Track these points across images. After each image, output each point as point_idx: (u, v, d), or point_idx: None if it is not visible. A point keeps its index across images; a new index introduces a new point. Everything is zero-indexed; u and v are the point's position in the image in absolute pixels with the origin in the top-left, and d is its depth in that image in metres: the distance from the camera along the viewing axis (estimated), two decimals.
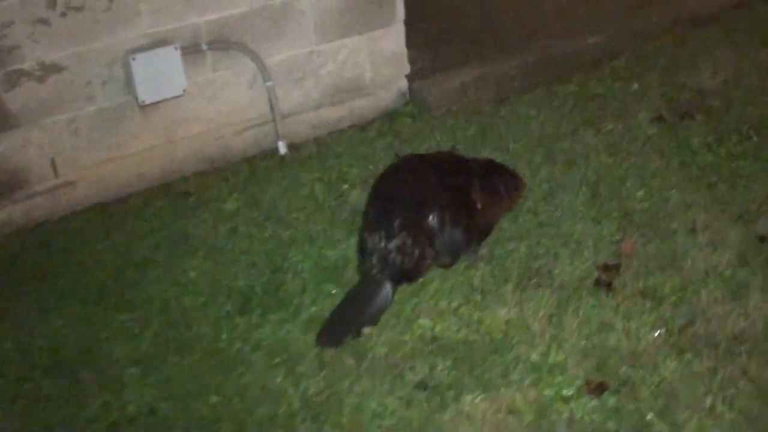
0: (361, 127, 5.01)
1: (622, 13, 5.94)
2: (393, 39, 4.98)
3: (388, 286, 3.25)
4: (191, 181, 4.58)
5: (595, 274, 3.56)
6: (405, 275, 3.29)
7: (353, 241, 3.78)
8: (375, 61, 4.94)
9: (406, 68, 5.09)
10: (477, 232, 3.50)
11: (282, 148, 4.76)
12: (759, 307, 3.29)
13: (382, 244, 3.22)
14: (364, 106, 5.01)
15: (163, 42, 4.29)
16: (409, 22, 5.17)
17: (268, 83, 4.66)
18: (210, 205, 4.30)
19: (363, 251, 3.31)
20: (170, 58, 4.33)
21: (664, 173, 4.19)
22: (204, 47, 4.43)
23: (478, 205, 3.45)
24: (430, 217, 3.27)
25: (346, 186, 4.30)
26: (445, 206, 3.31)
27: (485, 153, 4.43)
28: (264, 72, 4.60)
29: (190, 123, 4.56)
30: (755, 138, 4.38)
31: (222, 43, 4.49)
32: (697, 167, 4.22)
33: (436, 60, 5.44)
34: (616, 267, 3.59)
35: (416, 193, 3.35)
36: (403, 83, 5.12)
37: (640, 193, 4.05)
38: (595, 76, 5.22)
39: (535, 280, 3.56)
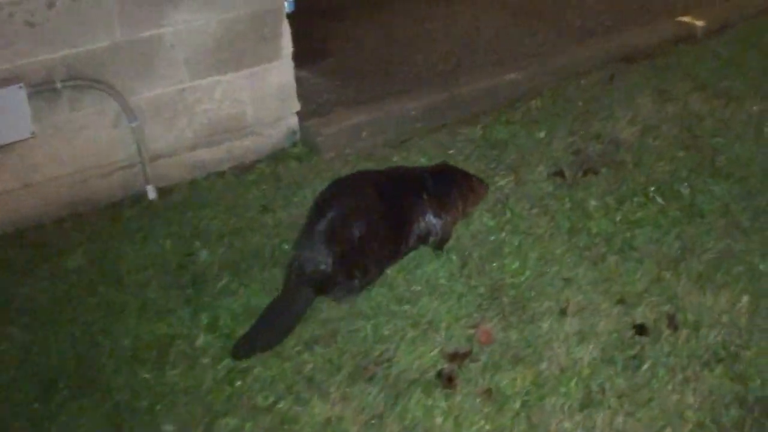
0: (244, 169, 4.57)
1: (548, 48, 5.48)
2: (279, 74, 4.55)
3: (306, 294, 3.27)
4: (48, 229, 4.17)
5: (440, 365, 3.06)
6: (321, 282, 3.29)
7: (187, 311, 3.47)
8: (258, 98, 4.51)
9: (296, 105, 4.66)
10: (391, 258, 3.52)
11: (151, 193, 4.34)
12: (608, 423, 2.80)
13: (301, 252, 3.28)
14: (247, 146, 4.59)
15: (6, 81, 3.84)
16: (303, 57, 4.83)
17: (134, 123, 4.24)
18: (52, 260, 3.87)
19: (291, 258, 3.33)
20: (14, 98, 3.89)
21: (548, 241, 3.74)
22: (58, 85, 3.99)
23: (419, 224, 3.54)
24: (351, 234, 3.31)
25: (198, 243, 3.84)
26: (370, 228, 3.36)
27: None
28: (128, 111, 4.17)
29: (48, 166, 4.17)
30: (660, 201, 3.90)
31: (79, 80, 4.06)
32: (587, 235, 3.77)
33: (333, 97, 5.02)
34: (465, 356, 3.12)
35: (350, 209, 3.37)
36: (293, 122, 4.69)
37: (516, 265, 3.59)
38: (506, 118, 4.77)
39: (370, 370, 3.08)
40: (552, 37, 5.77)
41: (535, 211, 3.94)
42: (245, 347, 3.17)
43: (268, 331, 3.21)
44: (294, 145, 4.71)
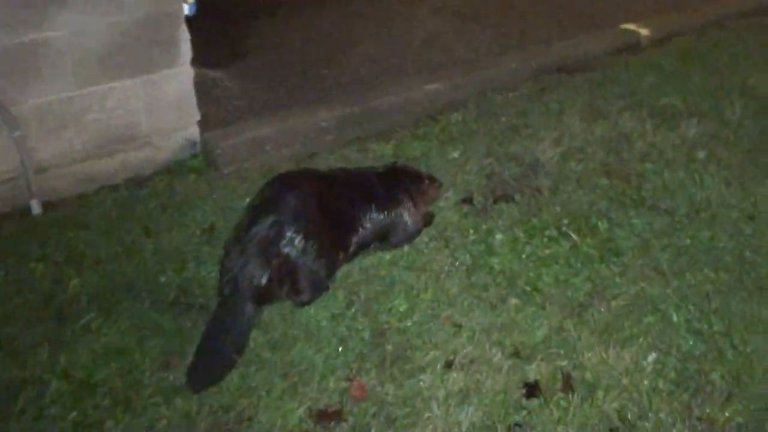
0: (140, 181, 4.22)
1: (481, 55, 5.22)
2: (176, 82, 4.20)
3: (246, 308, 3.05)
4: None
5: (306, 425, 2.75)
6: (258, 296, 3.08)
7: (45, 351, 3.13)
8: (154, 107, 4.16)
9: (196, 115, 4.32)
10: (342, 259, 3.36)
11: (35, 208, 4.01)
12: None
13: (233, 263, 3.06)
14: (144, 157, 4.25)
15: None
16: (220, 57, 4.69)
17: (15, 133, 3.88)
18: None
19: (221, 271, 3.13)
20: None
21: (444, 280, 3.42)
22: None
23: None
24: (289, 245, 3.11)
25: (71, 270, 3.50)
26: (310, 237, 3.14)
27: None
28: (10, 121, 3.81)
29: None
30: (573, 236, 3.58)
31: None
32: (489, 273, 3.47)
33: (244, 103, 4.72)
34: (334, 416, 2.80)
35: (285, 212, 3.13)
36: (193, 132, 4.35)
37: (404, 307, 3.29)
38: (423, 132, 4.42)
39: (229, 428, 2.77)
40: (488, 44, 5.47)
41: (434, 243, 3.61)
42: (200, 377, 2.95)
43: (218, 355, 3.01)
44: (194, 156, 4.37)
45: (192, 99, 4.31)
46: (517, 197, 3.90)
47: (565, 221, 3.73)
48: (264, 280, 3.07)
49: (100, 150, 4.17)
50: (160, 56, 4.13)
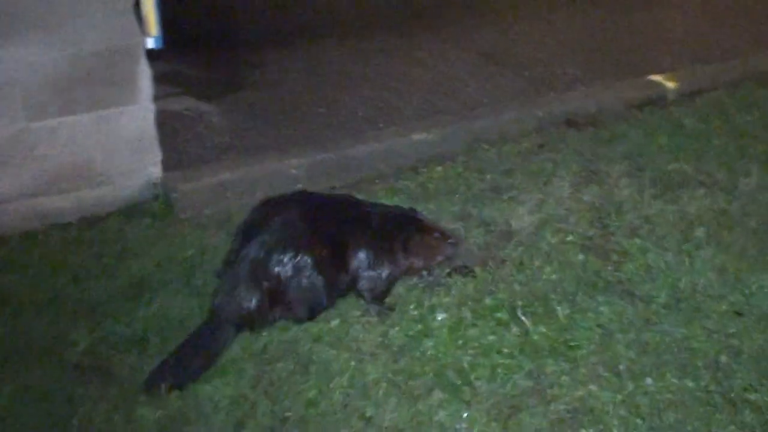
0: (93, 221, 4.00)
1: (490, 101, 4.91)
2: (135, 120, 3.99)
3: (227, 330, 3.05)
4: None
5: None
6: (245, 322, 3.09)
7: None
8: (109, 145, 3.97)
9: (157, 155, 4.06)
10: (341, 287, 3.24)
11: None
12: None
13: (226, 286, 3.07)
14: (99, 196, 4.05)
15: None
16: (212, 89, 4.69)
17: None
18: None
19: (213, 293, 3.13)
20: None
21: (368, 362, 3.15)
22: None
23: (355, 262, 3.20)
24: (279, 265, 3.06)
25: None
26: (301, 255, 3.07)
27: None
28: None
29: None
30: (525, 321, 3.26)
31: None
32: (392, 356, 3.19)
33: (226, 141, 4.55)
34: None
35: (277, 236, 3.09)
36: (155, 172, 4.11)
37: (314, 393, 3.02)
38: (399, 187, 4.07)
39: None
40: (504, 90, 5.07)
41: (367, 318, 3.22)
42: (157, 380, 2.91)
43: (185, 366, 2.96)
44: (155, 199, 4.11)
45: (153, 138, 4.09)
46: (477, 270, 3.48)
47: (521, 302, 3.32)
48: (253, 304, 3.06)
49: (52, 186, 3.98)
50: (117, 92, 3.92)
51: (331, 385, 3.00)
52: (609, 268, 3.53)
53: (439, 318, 3.28)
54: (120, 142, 4.03)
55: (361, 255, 3.26)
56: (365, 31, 6.05)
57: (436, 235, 3.41)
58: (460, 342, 3.19)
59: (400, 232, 3.33)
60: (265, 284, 3.07)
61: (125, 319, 3.34)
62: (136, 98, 3.99)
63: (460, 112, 4.79)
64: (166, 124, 4.67)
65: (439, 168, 4.27)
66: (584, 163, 4.25)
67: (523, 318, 3.27)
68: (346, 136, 4.49)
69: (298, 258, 3.09)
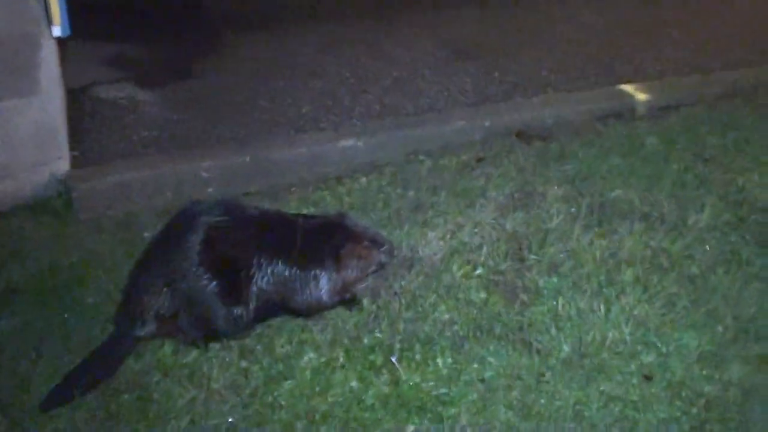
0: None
1: (449, 105, 4.63)
2: (36, 112, 3.77)
3: (127, 339, 2.96)
4: None
5: None
6: (142, 330, 2.98)
7: None
8: (7, 137, 3.72)
9: (61, 150, 3.83)
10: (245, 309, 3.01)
11: None
12: None
13: (123, 303, 3.01)
14: (2, 190, 3.79)
15: None
16: (157, 76, 4.51)
17: None
18: None
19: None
20: None
21: (219, 404, 2.75)
22: None
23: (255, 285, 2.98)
24: (168, 293, 2.94)
25: None
26: (194, 282, 2.92)
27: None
28: None
29: None
30: (399, 370, 2.88)
31: None
32: (244, 400, 2.88)
33: (154, 134, 4.30)
34: None
35: (173, 262, 2.94)
36: (61, 167, 3.88)
37: None
38: (315, 198, 3.81)
39: None
40: (465, 91, 4.79)
41: (225, 353, 2.93)
42: (56, 397, 2.80)
43: (83, 377, 2.85)
44: (60, 196, 3.84)
45: (57, 131, 3.86)
46: (366, 303, 3.15)
47: (401, 345, 2.98)
48: (145, 330, 2.97)
49: None
50: (15, 83, 3.71)
51: (168, 428, 2.70)
52: (512, 310, 3.16)
53: (306, 358, 2.96)
54: (20, 135, 3.81)
55: (286, 275, 3.02)
56: (336, 19, 5.72)
57: (366, 243, 3.13)
58: (321, 388, 2.85)
59: (326, 245, 3.07)
60: (155, 311, 2.96)
61: None
62: (36, 89, 3.76)
63: (410, 115, 4.44)
64: (96, 113, 4.46)
65: (364, 179, 3.95)
66: (521, 183, 3.87)
67: (396, 364, 2.91)
68: (276, 137, 4.20)
69: (191, 285, 2.93)
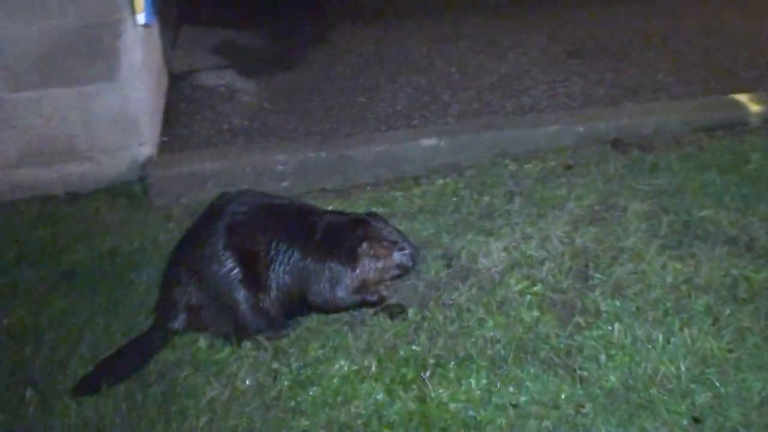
0: (78, 197, 3.93)
1: (555, 106, 4.42)
2: (116, 98, 3.85)
3: (161, 330, 2.99)
4: None
5: None
6: (172, 323, 2.99)
7: None
8: (90, 121, 3.86)
9: (142, 135, 3.90)
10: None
11: None
12: None
13: (160, 297, 3.06)
14: (84, 173, 3.98)
15: None
16: (244, 70, 4.45)
17: None
18: None
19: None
20: None
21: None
22: None
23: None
24: (193, 285, 2.95)
25: None
26: (216, 275, 2.92)
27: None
28: None
29: None
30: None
31: None
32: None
33: (235, 127, 4.32)
34: None
35: (197, 255, 2.95)
36: (141, 153, 3.95)
37: None
38: (388, 198, 3.75)
39: None
40: (574, 93, 4.57)
41: (250, 360, 2.90)
42: (89, 384, 2.83)
43: (116, 368, 2.88)
44: (140, 179, 3.92)
45: (137, 117, 3.90)
46: (411, 311, 3.05)
47: (436, 362, 2.84)
48: (177, 324, 2.99)
49: (36, 158, 3.93)
50: (97, 68, 3.78)
51: (186, 425, 2.68)
52: (563, 332, 2.95)
53: (337, 365, 2.88)
54: (99, 119, 3.90)
55: (301, 265, 3.00)
56: (449, 14, 5.56)
57: (385, 243, 3.07)
58: (345, 397, 2.76)
59: (345, 240, 3.03)
60: (185, 303, 2.97)
61: (48, 306, 3.24)
62: (117, 75, 3.82)
63: (508, 114, 4.29)
64: (193, 99, 4.53)
65: (441, 181, 3.83)
66: (604, 195, 3.63)
67: (427, 380, 2.77)
68: (358, 134, 4.15)
69: (214, 271, 2.93)
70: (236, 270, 2.93)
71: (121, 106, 3.83)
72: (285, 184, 3.82)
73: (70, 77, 3.76)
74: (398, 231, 3.17)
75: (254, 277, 2.94)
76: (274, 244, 2.96)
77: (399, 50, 5.11)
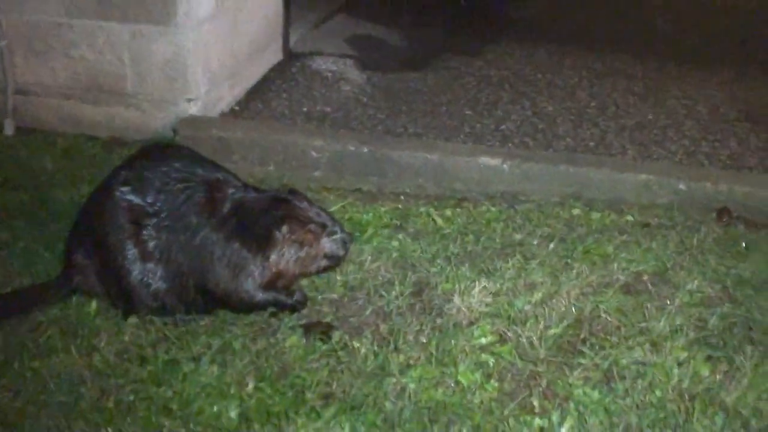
0: (120, 143, 3.74)
1: (640, 141, 3.75)
2: (167, 44, 3.58)
3: (57, 285, 2.67)
4: None
5: None
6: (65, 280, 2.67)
7: None
8: (140, 63, 3.64)
9: (189, 90, 3.62)
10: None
11: (8, 128, 3.80)
12: None
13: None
14: (129, 119, 3.76)
15: None
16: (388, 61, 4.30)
17: (2, 42, 3.68)
18: None
19: None
20: None
21: None
22: None
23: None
24: (81, 228, 2.61)
25: None
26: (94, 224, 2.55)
27: None
28: None
29: None
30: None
31: None
32: None
33: (291, 112, 3.97)
34: None
35: (94, 200, 2.60)
36: (186, 109, 3.65)
37: None
38: (417, 209, 3.13)
39: None
40: (716, 153, 3.72)
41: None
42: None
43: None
44: (173, 136, 3.65)
45: (186, 69, 3.63)
46: (338, 336, 2.46)
47: (306, 399, 2.25)
48: (73, 266, 2.64)
49: (86, 94, 3.77)
50: (152, 8, 3.50)
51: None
52: (499, 413, 2.22)
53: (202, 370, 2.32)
54: (149, 64, 3.67)
55: (198, 242, 2.45)
56: (623, 54, 4.79)
57: (311, 227, 2.45)
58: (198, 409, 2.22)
59: (260, 220, 2.44)
60: (78, 261, 2.59)
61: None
62: (171, 20, 3.55)
63: (615, 155, 3.61)
64: (294, 79, 4.32)
65: (484, 208, 3.17)
66: (664, 266, 2.82)
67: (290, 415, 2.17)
68: (406, 137, 3.67)
69: (104, 230, 2.50)
70: (127, 228, 2.46)
71: (170, 54, 3.53)
72: (317, 173, 3.33)
73: (124, 12, 3.54)
74: (326, 212, 2.54)
75: (141, 240, 2.43)
76: (166, 210, 2.45)
77: (545, 74, 4.45)
